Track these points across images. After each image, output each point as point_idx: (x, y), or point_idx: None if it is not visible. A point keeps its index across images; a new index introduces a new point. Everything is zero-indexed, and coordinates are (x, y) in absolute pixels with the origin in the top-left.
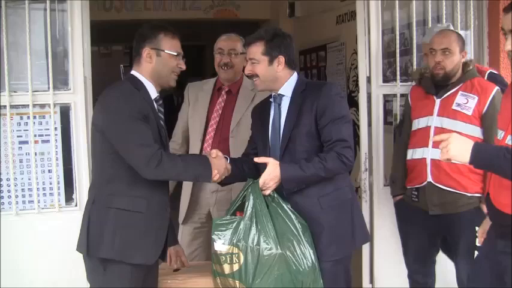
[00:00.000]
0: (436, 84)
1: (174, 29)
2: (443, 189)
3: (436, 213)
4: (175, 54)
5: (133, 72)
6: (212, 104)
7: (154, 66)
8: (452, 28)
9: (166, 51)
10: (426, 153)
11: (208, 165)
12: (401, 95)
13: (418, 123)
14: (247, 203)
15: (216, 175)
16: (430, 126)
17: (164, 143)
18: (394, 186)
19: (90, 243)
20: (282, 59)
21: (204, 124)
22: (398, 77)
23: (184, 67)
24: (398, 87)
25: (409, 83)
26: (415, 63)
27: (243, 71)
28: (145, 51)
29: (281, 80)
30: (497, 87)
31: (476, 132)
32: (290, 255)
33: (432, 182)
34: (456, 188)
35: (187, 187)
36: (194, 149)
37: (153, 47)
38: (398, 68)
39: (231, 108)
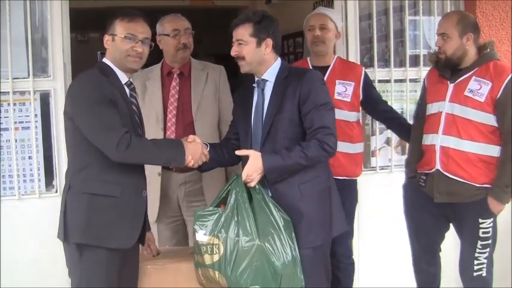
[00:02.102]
0: (451, 68)
1: (134, 14)
2: (451, 178)
3: (440, 202)
4: (123, 36)
5: (104, 59)
6: (165, 90)
7: (111, 52)
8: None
9: (118, 35)
10: (436, 140)
11: (181, 149)
12: (379, 81)
13: (431, 108)
14: (229, 196)
15: (191, 160)
16: (441, 112)
17: (137, 127)
18: (408, 169)
19: (67, 229)
20: (269, 41)
21: (161, 112)
22: (375, 62)
23: (139, 50)
24: (376, 73)
25: (387, 68)
26: (392, 48)
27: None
28: (105, 38)
29: (267, 63)
30: None
31: (489, 119)
32: (269, 247)
33: (440, 170)
34: (465, 177)
35: (154, 184)
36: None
37: (110, 33)
38: (375, 54)
39: (187, 91)
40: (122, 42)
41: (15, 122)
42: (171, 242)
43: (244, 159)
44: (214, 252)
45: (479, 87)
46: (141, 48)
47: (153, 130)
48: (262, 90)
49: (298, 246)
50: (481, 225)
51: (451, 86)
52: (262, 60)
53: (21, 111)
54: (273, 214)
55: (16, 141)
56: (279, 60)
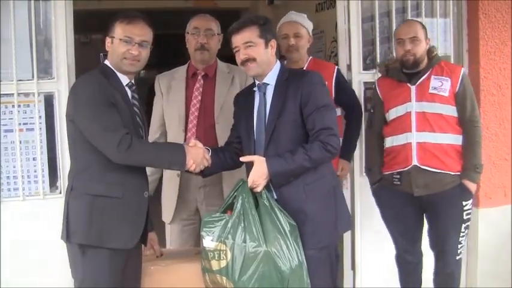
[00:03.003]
0: (406, 72)
1: (134, 16)
2: (429, 171)
3: (420, 194)
4: (120, 39)
5: (105, 61)
6: (189, 91)
7: (110, 54)
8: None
9: (116, 37)
10: (410, 138)
11: (182, 153)
12: None
13: (396, 112)
14: (236, 202)
15: (192, 165)
16: (410, 112)
17: (138, 129)
18: (372, 174)
19: (69, 229)
20: (274, 43)
21: (184, 113)
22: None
23: (135, 52)
24: (378, 75)
25: None
26: (394, 50)
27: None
28: (106, 40)
29: (270, 65)
30: (463, 68)
31: (454, 112)
32: (276, 252)
33: (418, 165)
34: (442, 168)
35: (172, 185)
36: (177, 140)
37: (110, 36)
38: (378, 56)
39: (211, 93)
40: (119, 44)
41: (20, 124)
42: (185, 245)
43: (248, 164)
44: (222, 258)
45: (441, 84)
46: (137, 51)
47: (175, 131)
48: (264, 93)
49: (304, 247)
50: (464, 208)
51: (413, 88)
52: (269, 61)
53: (25, 112)
54: (279, 219)
55: (20, 142)
56: (278, 62)
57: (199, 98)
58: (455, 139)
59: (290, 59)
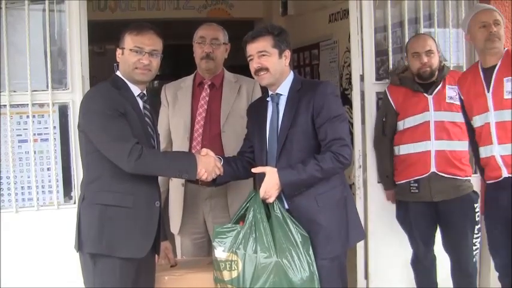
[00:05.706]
0: (420, 83)
1: (143, 26)
2: (445, 177)
3: (439, 200)
4: (130, 49)
5: (117, 72)
6: (195, 100)
7: (121, 65)
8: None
9: (126, 48)
10: (429, 146)
11: (194, 162)
12: None
13: (414, 121)
14: (248, 213)
15: (204, 174)
16: (429, 121)
17: (149, 139)
18: (388, 181)
19: (81, 239)
20: (288, 53)
21: (189, 122)
22: None
23: (145, 62)
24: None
25: None
26: (407, 62)
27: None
28: (117, 51)
29: (284, 76)
30: None
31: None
32: (287, 263)
33: (436, 171)
34: (457, 174)
35: (177, 195)
36: (181, 148)
37: (121, 47)
38: (391, 66)
39: (218, 102)
40: (129, 55)
41: (34, 134)
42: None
43: (259, 175)
44: (233, 269)
45: (455, 94)
46: (148, 61)
47: (180, 140)
48: (277, 104)
49: (316, 257)
50: (476, 210)
51: (430, 98)
52: (282, 71)
53: (40, 123)
54: (290, 230)
55: (35, 152)
56: (291, 73)
57: (205, 106)
58: (466, 145)
59: (490, 49)
